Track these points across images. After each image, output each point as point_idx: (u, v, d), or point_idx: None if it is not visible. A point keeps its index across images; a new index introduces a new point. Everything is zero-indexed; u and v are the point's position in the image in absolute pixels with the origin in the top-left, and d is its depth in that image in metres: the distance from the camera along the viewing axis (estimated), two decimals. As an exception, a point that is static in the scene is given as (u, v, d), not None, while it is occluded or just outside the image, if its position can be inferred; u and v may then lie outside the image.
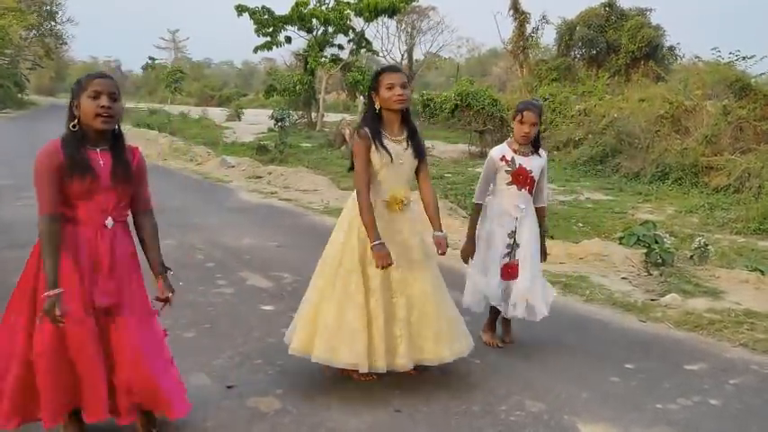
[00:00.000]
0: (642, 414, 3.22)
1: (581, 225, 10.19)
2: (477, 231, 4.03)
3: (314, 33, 28.61)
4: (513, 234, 3.93)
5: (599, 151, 17.09)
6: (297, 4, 27.40)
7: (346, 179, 13.17)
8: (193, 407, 2.93)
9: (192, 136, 21.36)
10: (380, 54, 34.22)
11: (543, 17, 27.17)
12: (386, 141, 3.36)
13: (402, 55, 36.95)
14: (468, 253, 4.01)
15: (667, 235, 7.61)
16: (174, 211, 8.30)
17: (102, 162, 2.60)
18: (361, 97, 29.52)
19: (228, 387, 3.39)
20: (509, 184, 3.91)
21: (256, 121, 28.02)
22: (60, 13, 39.37)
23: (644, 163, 15.45)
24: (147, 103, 43.17)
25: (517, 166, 3.89)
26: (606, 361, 3.90)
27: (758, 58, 17.04)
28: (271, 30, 28.02)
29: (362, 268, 3.34)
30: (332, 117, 30.74)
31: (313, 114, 29.56)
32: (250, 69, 75.01)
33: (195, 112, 32.97)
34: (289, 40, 28.95)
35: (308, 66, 28.40)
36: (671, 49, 26.70)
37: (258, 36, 28.10)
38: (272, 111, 19.50)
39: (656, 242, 7.10)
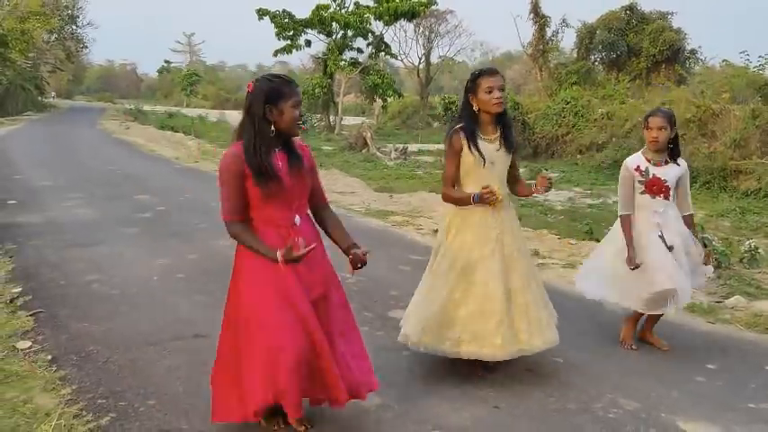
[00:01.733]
0: (737, 414, 3.24)
1: (606, 227, 10.19)
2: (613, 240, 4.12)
3: (333, 37, 28.75)
4: (662, 237, 3.91)
5: (623, 155, 16.86)
6: (317, 8, 27.58)
7: (378, 181, 13.24)
8: None
9: (214, 139, 21.50)
10: (399, 58, 34.31)
11: (563, 21, 27.14)
12: (480, 143, 3.44)
13: (420, 58, 37.03)
14: (632, 260, 3.91)
15: (716, 238, 7.62)
16: (217, 212, 8.35)
17: (281, 163, 2.71)
18: (379, 100, 29.67)
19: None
20: (642, 193, 3.94)
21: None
22: (81, 16, 39.71)
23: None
24: (164, 106, 43.40)
25: (651, 176, 3.91)
26: (687, 361, 3.93)
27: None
28: (291, 33, 28.18)
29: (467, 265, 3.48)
30: (350, 120, 30.87)
31: (331, 117, 29.67)
32: (264, 72, 75.19)
33: (212, 115, 33.20)
34: (309, 43, 29.12)
35: (328, 69, 28.54)
36: (693, 52, 26.62)
37: (279, 39, 28.27)
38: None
39: (705, 245, 7.11)
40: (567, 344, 4.06)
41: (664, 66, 25.91)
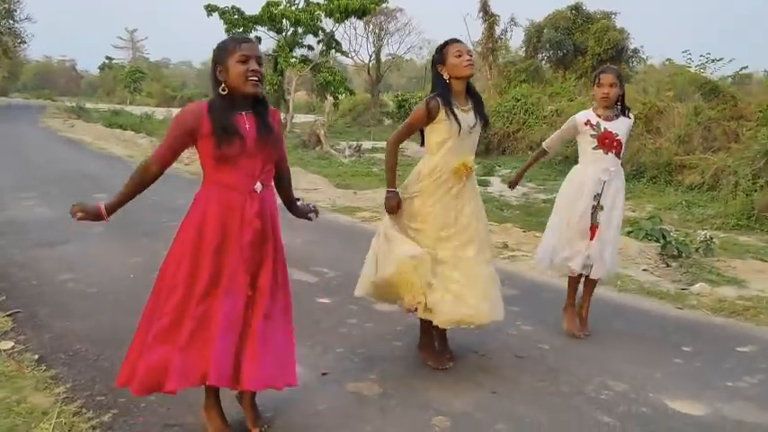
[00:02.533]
0: (717, 391, 3.44)
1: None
2: (560, 195, 4.29)
3: (284, 34, 28.56)
4: (597, 196, 4.06)
5: (573, 151, 17.39)
6: (267, 5, 27.34)
7: (334, 178, 13.28)
8: (298, 392, 3.04)
9: (162, 137, 21.07)
10: (349, 55, 34.32)
11: (512, 19, 27.61)
12: (456, 111, 3.47)
13: (370, 56, 37.11)
14: (513, 182, 4.43)
15: (672, 229, 7.96)
16: (185, 210, 8.26)
17: (248, 126, 2.63)
18: (330, 98, 29.62)
19: (323, 374, 3.49)
20: (595, 148, 4.05)
21: (225, 122, 27.69)
22: (18, 11, 38.17)
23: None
24: (107, 104, 42.27)
25: (602, 130, 4.03)
26: (663, 345, 4.12)
27: (726, 61, 17.79)
28: (241, 30, 27.84)
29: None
30: (301, 118, 30.73)
31: (282, 115, 29.48)
32: (209, 70, 74.01)
33: (159, 113, 32.54)
34: (259, 40, 28.76)
35: (278, 66, 28.33)
36: (635, 51, 27.45)
37: (228, 36, 27.86)
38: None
39: (664, 236, 7.43)
40: (550, 331, 4.25)
41: (608, 64, 26.58)
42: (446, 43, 3.51)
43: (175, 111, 21.36)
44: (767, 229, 9.48)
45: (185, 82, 67.09)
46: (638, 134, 16.43)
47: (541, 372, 3.61)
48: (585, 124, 4.07)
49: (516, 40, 41.83)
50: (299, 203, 3.14)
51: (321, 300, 4.87)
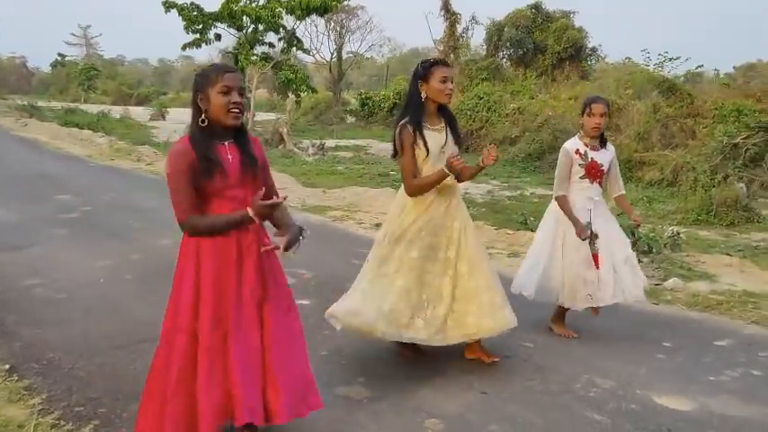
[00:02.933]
0: (701, 386, 3.49)
1: (533, 219, 10.58)
2: (547, 229, 4.21)
3: (244, 31, 28.17)
4: (589, 225, 4.04)
5: (536, 148, 17.65)
6: (227, 1, 26.92)
7: (299, 177, 13.13)
8: None
9: (123, 136, 20.67)
10: (311, 53, 34.07)
11: (473, 18, 27.78)
12: (426, 132, 3.44)
13: (332, 54, 36.87)
14: (583, 231, 4.01)
15: (643, 226, 8.06)
16: (150, 210, 8.10)
17: (230, 157, 2.55)
18: (292, 96, 29.38)
19: (310, 378, 3.42)
20: (582, 177, 4.05)
21: (183, 121, 27.26)
22: (-36, 6, 36.78)
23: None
24: (60, 102, 41.13)
25: (589, 159, 4.03)
26: (645, 341, 4.17)
27: (683, 60, 18.20)
28: (200, 27, 27.39)
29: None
30: (262, 116, 30.39)
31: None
32: (166, 67, 72.94)
33: (115, 111, 31.82)
34: (218, 37, 28.37)
35: (239, 64, 27.93)
36: (593, 50, 27.90)
37: (187, 33, 27.37)
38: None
39: (633, 233, 7.53)
40: (534, 329, 4.25)
41: (567, 63, 27.00)
42: (434, 63, 3.48)
43: (133, 109, 20.85)
44: (725, 224, 9.67)
45: (141, 80, 65.79)
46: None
47: (529, 370, 3.61)
48: (576, 153, 4.06)
49: (477, 39, 42.12)
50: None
51: (301, 301, 4.74)
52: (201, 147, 2.50)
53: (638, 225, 4.25)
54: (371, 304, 3.41)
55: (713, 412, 3.19)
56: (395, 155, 3.57)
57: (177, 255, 2.61)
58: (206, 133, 2.53)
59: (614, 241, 4.12)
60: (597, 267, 4.04)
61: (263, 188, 2.57)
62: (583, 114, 4.07)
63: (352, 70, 47.10)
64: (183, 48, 28.35)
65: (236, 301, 2.56)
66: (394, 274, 3.47)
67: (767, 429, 3.05)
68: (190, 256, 2.56)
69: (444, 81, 3.42)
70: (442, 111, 3.55)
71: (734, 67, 40.47)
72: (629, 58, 19.49)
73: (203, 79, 2.53)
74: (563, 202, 4.09)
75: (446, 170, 3.35)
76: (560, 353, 3.89)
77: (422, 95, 3.45)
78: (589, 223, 4.04)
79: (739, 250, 7.14)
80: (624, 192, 4.34)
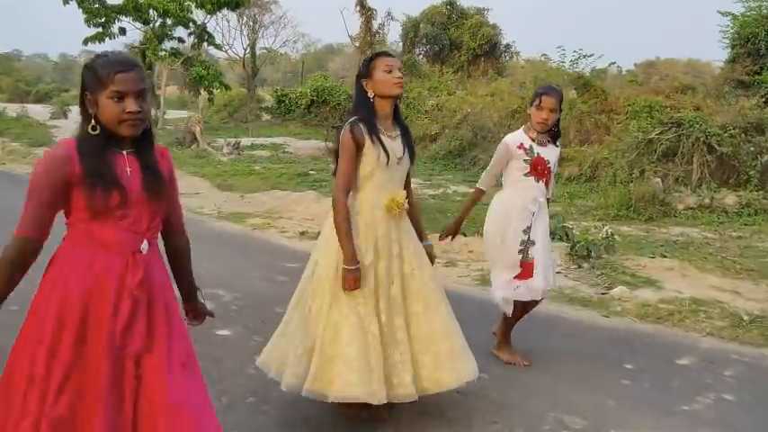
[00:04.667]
0: (678, 418, 3.18)
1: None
2: (486, 227, 3.77)
3: (151, 25, 26.83)
4: (527, 230, 3.64)
5: (456, 145, 17.49)
6: (132, -7, 25.55)
7: (214, 178, 12.36)
8: None
9: (18, 136, 19.16)
10: (223, 48, 32.86)
11: (388, 14, 27.48)
12: (383, 138, 2.92)
13: (245, 50, 35.75)
14: (450, 231, 3.80)
15: (573, 226, 7.87)
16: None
17: (129, 169, 1.98)
18: (204, 92, 28.28)
19: (235, 437, 2.87)
20: (526, 175, 3.61)
21: (87, 120, 25.70)
22: None
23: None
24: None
25: (535, 155, 3.58)
26: (604, 363, 3.85)
27: (597, 57, 18.50)
28: (103, 20, 25.86)
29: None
30: (173, 114, 29.10)
31: (153, 111, 27.77)
32: (68, 63, 69.25)
33: (11, 109, 29.71)
34: (123, 31, 26.90)
35: (146, 59, 26.57)
36: (507, 46, 28.19)
37: (89, 26, 25.82)
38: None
39: (567, 234, 7.32)
40: (486, 356, 3.81)
41: (483, 59, 27.17)
42: (375, 56, 2.98)
43: (31, 107, 19.38)
44: (644, 218, 9.69)
45: (41, 76, 62.21)
46: (518, 127, 16.67)
47: (490, 410, 3.17)
48: (519, 147, 3.60)
49: (393, 35, 41.89)
50: (198, 296, 2.36)
51: (220, 332, 4.15)
52: (92, 159, 1.91)
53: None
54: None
55: (697, 451, 2.86)
56: (337, 159, 2.96)
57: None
58: (99, 139, 1.94)
59: (546, 248, 3.74)
60: (529, 276, 3.64)
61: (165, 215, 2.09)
62: (532, 105, 3.61)
63: (266, 66, 46.02)
64: (85, 42, 26.68)
65: (106, 352, 1.93)
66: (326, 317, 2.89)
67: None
68: (55, 287, 1.98)
69: (389, 70, 2.88)
70: (397, 119, 3.03)
71: (635, 65, 42.08)
72: (545, 55, 19.56)
73: (90, 77, 1.94)
74: (476, 194, 3.78)
75: (346, 266, 2.81)
76: (520, 384, 3.49)
77: (369, 95, 2.92)
78: (528, 228, 3.64)
79: (660, 246, 7.06)
80: (552, 196, 3.92)
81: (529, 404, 3.25)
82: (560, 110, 3.58)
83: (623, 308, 4.83)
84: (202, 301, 2.35)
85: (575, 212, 11.08)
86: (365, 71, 2.94)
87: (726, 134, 10.89)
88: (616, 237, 7.20)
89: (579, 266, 6.04)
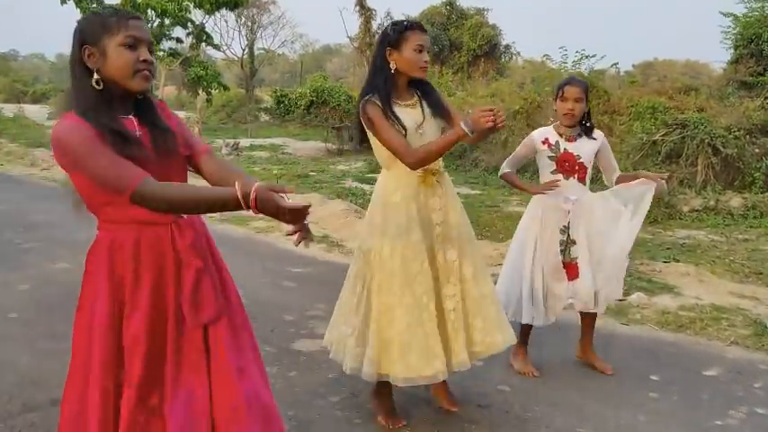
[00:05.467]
0: (710, 434, 3.01)
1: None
2: (518, 232, 3.63)
3: (149, 25, 26.63)
4: (565, 230, 3.48)
5: (457, 146, 17.24)
6: (129, -7, 25.36)
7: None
8: None
9: (15, 137, 18.97)
10: (221, 49, 32.67)
11: (388, 14, 27.35)
12: (398, 109, 2.79)
13: (243, 50, 35.55)
14: (545, 186, 3.47)
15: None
16: (46, 226, 7.07)
17: (139, 132, 1.82)
18: (203, 93, 28.11)
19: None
20: (553, 172, 3.46)
21: (85, 120, 25.46)
22: None
23: (502, 157, 15.87)
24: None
25: (562, 150, 3.43)
26: (630, 374, 3.68)
27: (599, 57, 18.39)
28: (100, 20, 25.66)
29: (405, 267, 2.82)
30: (170, 114, 28.86)
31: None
32: (65, 63, 68.93)
33: (8, 109, 29.50)
34: (120, 31, 26.74)
35: (144, 59, 26.40)
36: (507, 47, 28.07)
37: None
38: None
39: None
40: (506, 368, 3.67)
41: (483, 60, 27.05)
42: (409, 26, 2.79)
43: (28, 107, 19.27)
44: (649, 221, 9.54)
45: (38, 76, 61.91)
46: (520, 128, 16.61)
47: (513, 425, 3.02)
48: (543, 143, 3.47)
49: (392, 35, 41.79)
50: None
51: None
52: (103, 119, 1.73)
53: (670, 177, 3.57)
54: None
55: (736, 472, 2.71)
56: (362, 141, 2.92)
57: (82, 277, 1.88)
58: (103, 102, 1.77)
59: (598, 248, 3.49)
60: (570, 279, 3.50)
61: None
62: (556, 99, 3.47)
63: (265, 67, 45.89)
64: (83, 42, 26.56)
65: (174, 331, 1.84)
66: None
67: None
68: (101, 275, 1.83)
69: (420, 50, 2.74)
70: (416, 83, 2.87)
71: (633, 65, 41.95)
72: (547, 56, 19.43)
73: (94, 27, 1.76)
74: (506, 177, 3.63)
75: (464, 128, 2.54)
76: (543, 398, 3.33)
77: (390, 66, 2.77)
78: (566, 227, 3.49)
79: (668, 249, 6.91)
80: (619, 171, 3.64)
81: (554, 419, 3.09)
82: (587, 100, 3.43)
83: (642, 315, 4.67)
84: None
85: (579, 215, 10.95)
86: (394, 41, 2.77)
87: (730, 136, 10.78)
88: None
89: (592, 271, 5.88)
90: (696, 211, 9.73)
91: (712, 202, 9.82)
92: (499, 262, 6.43)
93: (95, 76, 1.75)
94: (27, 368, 3.55)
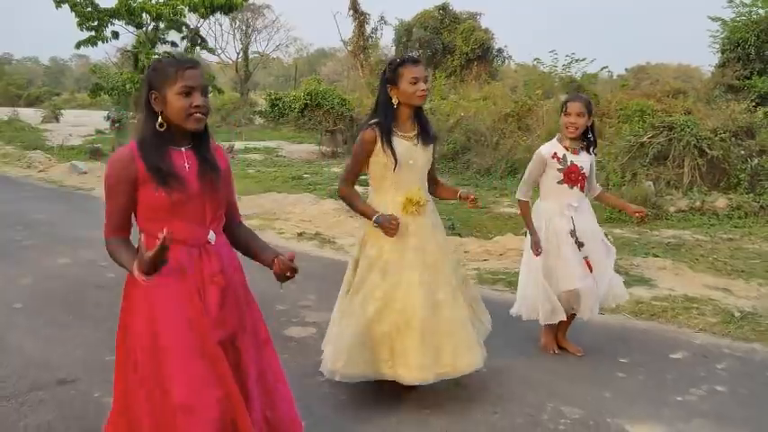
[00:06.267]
0: (673, 409, 3.25)
1: (460, 224, 10.36)
2: (525, 251, 3.88)
3: (144, 29, 26.80)
4: (573, 233, 3.74)
5: (450, 149, 17.55)
6: (125, -3, 25.48)
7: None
8: None
9: (10, 139, 19.17)
10: (216, 52, 32.92)
11: (382, 18, 27.62)
12: (396, 139, 3.10)
13: (238, 53, 35.83)
14: (538, 244, 3.73)
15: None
16: (46, 224, 7.29)
17: (188, 165, 2.10)
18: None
19: None
20: (560, 182, 3.73)
21: (79, 123, 25.74)
22: None
23: (494, 159, 16.13)
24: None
25: (569, 163, 3.71)
26: (601, 357, 3.92)
27: (589, 61, 18.68)
28: (96, 24, 25.80)
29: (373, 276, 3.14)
30: (165, 118, 29.01)
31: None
32: (59, 67, 69.06)
33: (3, 112, 29.65)
34: (116, 35, 26.82)
35: (139, 63, 26.52)
36: (499, 51, 28.33)
37: (81, 30, 25.73)
38: (107, 111, 18.03)
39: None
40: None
41: (475, 63, 27.30)
42: (402, 62, 3.11)
43: (22, 110, 19.44)
44: (636, 221, 9.80)
45: (32, 79, 61.98)
46: (511, 131, 16.85)
47: (489, 401, 3.25)
48: (553, 157, 3.74)
49: (386, 39, 42.05)
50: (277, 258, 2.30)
51: (223, 329, 4.24)
52: (153, 155, 2.05)
53: (643, 216, 3.94)
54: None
55: (691, 439, 2.94)
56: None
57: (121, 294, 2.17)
58: (161, 137, 2.07)
59: (599, 250, 3.83)
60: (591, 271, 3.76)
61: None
62: (561, 114, 3.76)
63: (259, 71, 46.10)
64: (78, 46, 26.57)
65: (203, 345, 2.08)
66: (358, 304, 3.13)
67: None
68: (139, 298, 2.11)
69: (415, 82, 3.05)
70: (417, 116, 3.20)
71: (626, 69, 42.31)
72: (538, 59, 19.72)
73: (158, 75, 2.06)
74: (524, 207, 3.83)
75: (376, 220, 3.05)
76: (518, 378, 3.56)
77: (393, 101, 3.09)
78: (573, 230, 3.75)
79: (652, 248, 7.14)
80: (601, 188, 4.08)
81: (527, 396, 3.32)
82: (590, 115, 3.70)
83: (618, 305, 4.89)
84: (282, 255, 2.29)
85: (567, 215, 11.17)
86: (392, 78, 3.09)
87: (716, 138, 10.98)
88: (609, 237, 7.31)
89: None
90: (682, 211, 9.95)
91: (698, 203, 10.02)
92: (484, 258, 6.71)
93: (159, 119, 2.06)
94: (33, 352, 3.76)
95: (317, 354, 3.70)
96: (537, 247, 3.72)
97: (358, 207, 3.17)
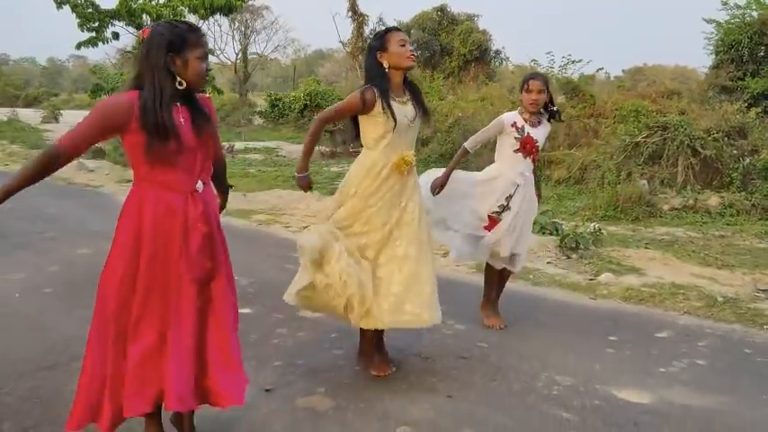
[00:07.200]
0: (656, 378, 3.56)
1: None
2: (477, 177, 4.25)
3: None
4: (509, 198, 4.11)
5: (448, 149, 17.81)
6: (126, -2, 25.72)
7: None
8: (246, 412, 2.90)
9: (13, 139, 19.41)
10: (215, 53, 33.21)
11: (380, 19, 27.86)
12: (394, 104, 3.31)
13: (237, 54, 36.11)
14: (438, 184, 4.07)
15: (564, 223, 8.28)
16: (62, 218, 7.60)
17: (182, 119, 2.35)
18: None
19: (267, 390, 3.25)
20: (516, 151, 4.08)
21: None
22: None
23: (491, 159, 16.40)
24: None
25: (526, 134, 4.07)
26: (592, 335, 4.24)
27: (585, 62, 19.00)
28: (96, 24, 26.03)
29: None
30: (165, 118, 29.22)
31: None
32: (57, 67, 69.21)
33: (2, 113, 29.85)
34: (116, 35, 27.07)
35: (140, 64, 26.75)
36: (497, 52, 28.67)
37: (82, 31, 25.95)
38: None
39: (557, 229, 7.72)
40: (482, 328, 4.23)
41: (473, 65, 27.62)
42: (388, 30, 3.37)
43: (21, 111, 19.67)
44: (630, 219, 10.10)
45: (29, 80, 62.15)
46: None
47: (490, 371, 3.57)
48: (512, 126, 4.09)
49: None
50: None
51: (242, 310, 4.48)
52: (155, 113, 2.25)
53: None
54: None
55: (672, 403, 3.25)
56: (356, 136, 3.46)
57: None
58: (167, 98, 2.30)
59: (519, 223, 4.18)
60: (488, 230, 4.13)
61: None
62: (522, 91, 4.11)
63: (257, 72, 46.34)
64: (78, 47, 26.83)
65: (176, 281, 2.39)
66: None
67: (724, 416, 3.14)
68: (130, 219, 2.38)
69: (403, 44, 3.30)
70: (407, 84, 3.44)
71: (623, 71, 42.70)
72: (535, 60, 20.04)
73: (180, 40, 2.30)
74: (461, 153, 4.17)
75: (297, 173, 3.50)
76: (515, 351, 3.88)
77: (384, 66, 3.31)
78: (510, 196, 4.11)
79: (647, 244, 7.44)
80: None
81: (524, 366, 3.65)
82: (548, 91, 4.07)
83: (609, 291, 5.23)
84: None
85: (564, 213, 11.47)
86: (380, 44, 3.32)
87: (709, 138, 11.27)
88: (603, 232, 7.63)
89: (568, 257, 6.44)
90: (676, 209, 10.25)
91: (691, 201, 10.31)
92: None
93: (179, 79, 2.31)
94: (68, 330, 4.05)
95: (332, 331, 4.04)
96: (437, 189, 4.05)
97: (306, 148, 3.46)
